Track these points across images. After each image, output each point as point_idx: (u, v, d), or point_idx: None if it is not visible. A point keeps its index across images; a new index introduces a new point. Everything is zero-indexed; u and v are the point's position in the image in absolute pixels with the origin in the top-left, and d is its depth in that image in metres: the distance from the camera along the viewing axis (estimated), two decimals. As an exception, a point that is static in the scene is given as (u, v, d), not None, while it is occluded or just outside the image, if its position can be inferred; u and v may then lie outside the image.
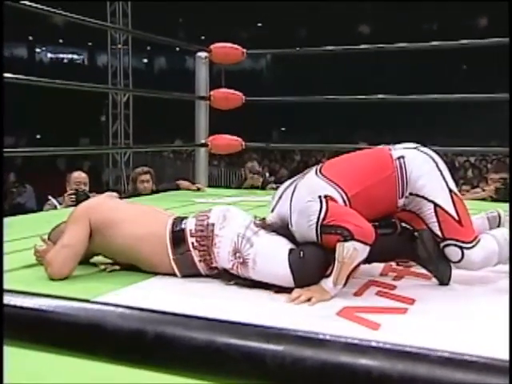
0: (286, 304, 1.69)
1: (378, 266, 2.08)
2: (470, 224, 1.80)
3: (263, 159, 15.24)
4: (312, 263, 1.73)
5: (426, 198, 1.77)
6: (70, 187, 3.89)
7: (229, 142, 4.60)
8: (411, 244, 1.83)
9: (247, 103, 4.59)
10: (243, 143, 4.59)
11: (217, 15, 18.82)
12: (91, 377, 1.09)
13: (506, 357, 0.39)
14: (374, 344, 0.36)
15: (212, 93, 4.54)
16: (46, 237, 2.04)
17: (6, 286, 0.51)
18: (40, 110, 16.90)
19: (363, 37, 19.80)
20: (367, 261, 1.76)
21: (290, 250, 1.77)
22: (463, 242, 1.75)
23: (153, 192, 4.36)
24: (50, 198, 4.09)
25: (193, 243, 1.86)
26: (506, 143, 3.52)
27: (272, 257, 1.77)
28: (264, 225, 1.84)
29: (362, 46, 4.76)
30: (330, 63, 17.29)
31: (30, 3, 3.05)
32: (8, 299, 0.44)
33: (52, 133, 17.06)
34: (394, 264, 2.14)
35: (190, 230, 1.87)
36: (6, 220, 3.13)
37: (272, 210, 1.88)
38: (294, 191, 1.83)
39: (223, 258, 1.83)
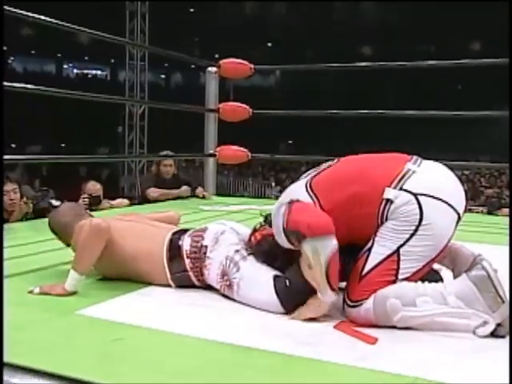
0: (284, 317, 1.56)
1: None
2: (372, 287, 1.49)
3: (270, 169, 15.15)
4: (299, 289, 1.56)
5: (372, 238, 1.54)
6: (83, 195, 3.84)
7: (235, 152, 4.49)
8: None
9: (257, 117, 4.48)
10: (249, 154, 4.48)
11: (229, 35, 18.77)
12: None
13: None
14: None
15: (220, 105, 4.44)
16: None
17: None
18: (64, 121, 16.95)
19: (364, 57, 19.72)
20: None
21: (275, 277, 1.62)
22: (347, 297, 1.53)
23: (173, 176, 4.62)
24: (65, 202, 4.01)
25: (188, 264, 1.76)
26: (498, 158, 3.40)
27: (255, 283, 1.63)
28: (254, 250, 1.70)
29: (363, 64, 4.65)
30: (336, 80, 17.22)
31: (57, 21, 2.99)
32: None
33: (75, 142, 17.07)
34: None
35: (186, 251, 1.77)
36: (29, 223, 3.04)
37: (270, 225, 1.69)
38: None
39: (212, 279, 1.73)
